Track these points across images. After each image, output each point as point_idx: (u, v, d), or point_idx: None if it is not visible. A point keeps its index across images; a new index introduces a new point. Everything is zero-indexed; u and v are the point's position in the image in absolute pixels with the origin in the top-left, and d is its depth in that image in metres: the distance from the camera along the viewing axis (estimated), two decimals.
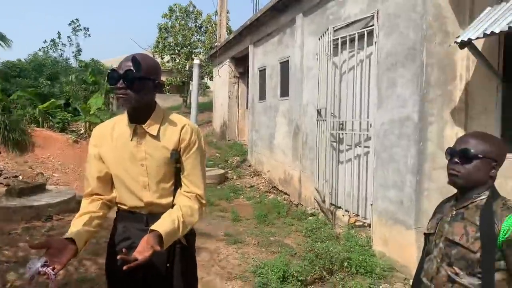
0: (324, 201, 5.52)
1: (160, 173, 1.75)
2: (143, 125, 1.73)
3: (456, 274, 1.53)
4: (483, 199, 1.56)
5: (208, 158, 10.47)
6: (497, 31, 2.87)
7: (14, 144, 6.70)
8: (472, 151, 1.54)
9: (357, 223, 4.93)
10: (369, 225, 4.64)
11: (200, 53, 20.49)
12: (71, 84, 14.93)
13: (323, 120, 5.45)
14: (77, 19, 36.78)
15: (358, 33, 4.61)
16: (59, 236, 4.66)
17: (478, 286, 1.48)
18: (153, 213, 1.77)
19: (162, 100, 31.66)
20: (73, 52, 28.25)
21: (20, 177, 6.71)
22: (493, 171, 1.56)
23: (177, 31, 19.83)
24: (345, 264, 3.94)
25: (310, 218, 5.82)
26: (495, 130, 3.45)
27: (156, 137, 1.74)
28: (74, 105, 12.64)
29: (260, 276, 3.82)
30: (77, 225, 1.63)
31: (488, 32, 2.94)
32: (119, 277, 1.79)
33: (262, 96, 8.74)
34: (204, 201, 1.81)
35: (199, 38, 20.93)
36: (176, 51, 20.39)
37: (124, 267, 1.44)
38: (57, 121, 11.88)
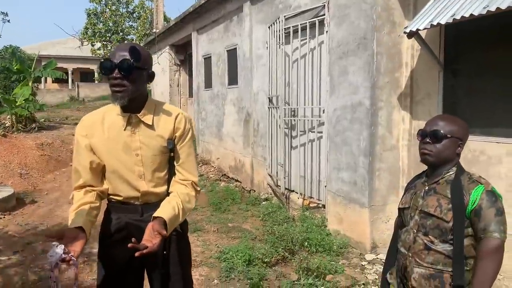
0: (278, 186, 5.69)
1: (155, 162, 1.74)
2: (138, 114, 1.70)
3: (431, 242, 1.72)
4: (451, 174, 1.77)
5: None
6: (443, 22, 3.16)
7: None
8: (441, 132, 1.74)
9: (311, 205, 5.17)
10: (323, 206, 4.89)
11: (133, 40, 19.63)
12: None
13: (275, 108, 5.59)
14: None
15: (309, 22, 4.78)
16: (5, 236, 4.31)
17: (450, 251, 1.68)
18: (148, 203, 1.77)
19: (91, 90, 29.89)
20: None
21: None
22: (459, 148, 1.78)
23: (107, 16, 18.77)
24: (305, 244, 4.14)
25: (264, 203, 5.98)
26: (437, 113, 3.80)
27: (151, 126, 1.72)
28: None
29: (226, 261, 3.89)
30: (81, 214, 1.58)
31: (434, 23, 3.23)
32: (116, 267, 1.76)
33: (208, 84, 8.67)
34: (198, 188, 1.85)
35: (132, 25, 20.03)
36: (107, 37, 19.33)
37: (136, 254, 1.43)
38: None
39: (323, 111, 4.74)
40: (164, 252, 1.78)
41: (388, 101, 4.06)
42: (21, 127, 10.96)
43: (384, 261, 2.06)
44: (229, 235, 4.75)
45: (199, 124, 9.27)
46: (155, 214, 1.60)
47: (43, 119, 12.97)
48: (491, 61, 3.39)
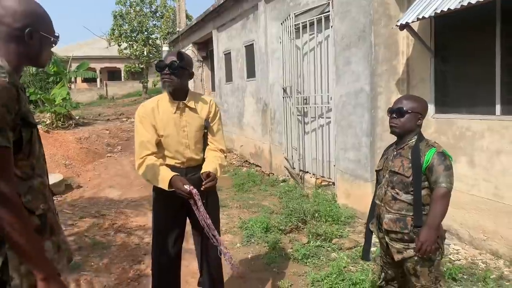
0: (293, 168, 6.28)
1: (196, 136, 2.39)
2: (185, 101, 2.34)
3: (397, 193, 2.21)
4: (413, 141, 2.27)
5: None
6: (426, 15, 3.65)
7: None
8: (404, 108, 2.25)
9: (323, 184, 5.74)
10: (333, 184, 5.45)
11: (157, 39, 20.47)
12: (26, 76, 14.66)
13: (289, 97, 6.16)
14: None
15: (316, 18, 5.31)
16: (60, 213, 5.10)
17: (411, 200, 2.17)
18: (190, 166, 2.41)
19: (119, 88, 31.07)
20: None
21: None
22: (419, 121, 2.26)
23: (132, 17, 19.67)
24: (316, 215, 4.71)
25: (281, 184, 6.57)
26: (430, 95, 4.29)
27: (194, 110, 2.38)
28: (35, 97, 12.53)
29: (247, 229, 4.52)
30: (167, 169, 2.28)
31: (420, 16, 3.72)
32: (167, 213, 2.41)
33: (229, 78, 9.31)
34: (225, 154, 2.52)
35: (155, 24, 20.88)
36: (133, 37, 20.26)
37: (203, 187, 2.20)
38: None
39: (331, 98, 5.28)
40: (203, 201, 2.43)
41: (386, 86, 4.56)
42: (60, 124, 11.96)
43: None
44: (250, 210, 5.37)
45: (222, 116, 9.92)
46: (204, 170, 2.29)
47: (78, 116, 14.00)
48: (473, 48, 3.85)
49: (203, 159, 2.43)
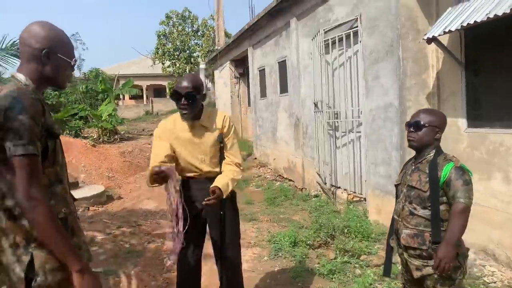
0: (325, 183, 6.26)
1: (212, 151, 2.52)
2: (199, 121, 2.49)
3: (414, 208, 2.19)
4: (431, 155, 2.26)
5: None
6: (453, 29, 3.60)
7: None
8: (421, 122, 2.24)
9: (354, 199, 5.68)
10: (365, 199, 5.38)
11: (198, 57, 21.20)
12: (78, 94, 15.70)
13: (320, 111, 6.20)
14: (77, 32, 37.52)
15: (345, 34, 5.36)
16: (100, 222, 5.42)
17: (429, 215, 2.14)
18: (208, 177, 2.54)
19: (163, 104, 32.24)
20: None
21: None
22: (437, 135, 2.24)
23: (175, 37, 20.57)
24: (345, 231, 4.68)
25: (314, 199, 6.56)
26: (462, 109, 4.18)
27: (208, 128, 2.51)
28: (84, 113, 13.39)
29: (275, 243, 4.57)
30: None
31: (447, 30, 3.68)
32: (189, 224, 2.53)
33: (263, 94, 9.49)
34: (242, 167, 2.62)
35: (197, 42, 21.66)
36: (176, 56, 21.12)
37: (204, 202, 2.29)
38: (71, 129, 12.66)
39: (361, 112, 5.27)
40: (221, 213, 2.54)
41: (416, 100, 4.49)
42: (106, 139, 12.68)
43: None
44: (280, 224, 5.42)
45: (256, 131, 10.10)
46: (213, 185, 2.39)
47: (123, 131, 14.75)
48: (505, 60, 3.73)
49: (221, 171, 2.55)
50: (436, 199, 2.12)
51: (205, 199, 2.32)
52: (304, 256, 4.20)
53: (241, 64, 12.36)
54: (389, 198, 4.73)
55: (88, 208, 6.00)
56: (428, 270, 2.16)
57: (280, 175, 8.44)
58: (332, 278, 3.70)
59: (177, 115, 2.58)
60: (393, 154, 4.61)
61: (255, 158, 10.21)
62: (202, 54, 20.04)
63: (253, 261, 4.24)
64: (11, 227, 1.45)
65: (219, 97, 14.38)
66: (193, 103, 2.41)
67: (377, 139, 4.90)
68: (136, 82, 34.97)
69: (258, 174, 8.89)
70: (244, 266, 4.09)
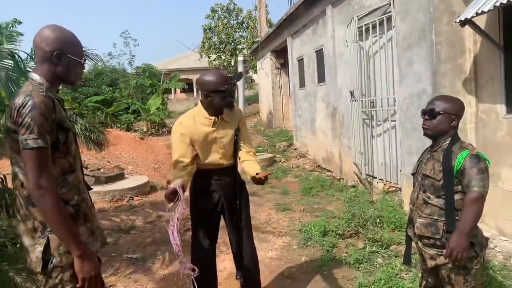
0: (361, 173, 6.17)
1: (230, 145, 2.63)
2: (222, 116, 2.58)
3: (428, 197, 2.15)
4: (446, 143, 2.21)
5: (258, 145, 11.38)
6: (485, 10, 3.40)
7: (94, 143, 7.96)
8: (436, 109, 2.17)
9: (390, 189, 5.55)
10: (400, 189, 5.25)
11: (243, 49, 21.35)
12: (130, 89, 16.54)
13: (356, 100, 6.09)
14: (126, 30, 39.26)
15: (378, 19, 5.21)
16: (142, 211, 5.77)
17: (443, 204, 2.10)
18: (221, 168, 2.65)
19: None
20: (127, 59, 30.38)
21: (102, 170, 8.01)
22: (453, 123, 2.15)
23: (220, 30, 20.85)
24: (377, 221, 4.61)
25: (351, 189, 6.49)
26: (501, 95, 3.94)
27: (229, 123, 2.61)
28: (134, 107, 14.11)
29: (305, 232, 4.62)
30: (181, 176, 2.49)
31: (479, 11, 3.48)
32: (204, 212, 2.68)
33: (302, 84, 9.44)
34: (255, 156, 2.73)
35: (242, 34, 21.80)
36: (221, 49, 21.42)
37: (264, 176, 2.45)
38: (123, 122, 13.41)
39: (395, 100, 5.12)
40: (237, 202, 2.66)
41: (451, 86, 4.29)
42: (154, 131, 13.30)
43: None
44: (313, 214, 5.45)
45: (296, 121, 10.09)
46: (252, 174, 2.55)
47: (171, 124, 15.35)
48: None
49: (234, 162, 2.65)
50: (450, 188, 2.07)
51: (259, 175, 2.49)
52: (333, 246, 4.21)
53: (282, 54, 12.33)
54: None
55: (132, 198, 6.38)
56: (442, 259, 2.12)
57: (318, 166, 8.41)
58: (358, 267, 3.70)
59: (196, 111, 2.62)
60: (428, 143, 4.44)
61: (295, 149, 10.22)
62: (246, 46, 20.15)
63: (281, 249, 4.33)
64: (30, 213, 1.64)
65: (261, 88, 14.48)
66: (231, 94, 2.53)
67: (412, 127, 4.75)
68: (186, 76, 36.17)
69: (297, 165, 8.91)
70: (272, 254, 4.22)
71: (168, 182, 2.46)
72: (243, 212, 2.71)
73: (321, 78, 7.97)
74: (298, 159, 9.36)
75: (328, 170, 7.87)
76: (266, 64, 12.96)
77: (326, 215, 5.20)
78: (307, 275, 3.69)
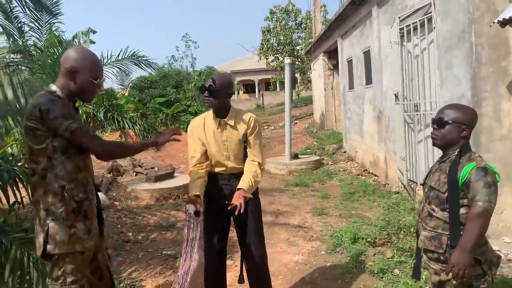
0: (404, 179, 5.95)
1: (236, 149, 2.74)
2: (225, 119, 2.73)
3: (433, 210, 2.09)
4: (455, 154, 2.14)
5: (307, 147, 11.35)
6: None
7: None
8: (445, 119, 2.09)
9: None
10: None
11: (301, 50, 21.32)
12: (190, 91, 17.33)
13: (399, 104, 5.88)
14: (186, 33, 41.08)
15: (419, 20, 5.00)
16: (183, 210, 6.10)
17: (447, 218, 2.03)
18: (232, 173, 2.78)
19: (273, 97, 33.16)
20: (189, 62, 31.79)
21: (156, 168, 8.56)
22: (463, 133, 2.07)
23: (278, 31, 21.02)
24: (412, 230, 4.44)
25: (394, 195, 6.27)
26: None
27: (233, 127, 2.73)
28: (193, 109, 14.76)
29: (335, 238, 4.60)
30: (198, 185, 2.66)
31: None
32: (213, 215, 2.83)
33: (351, 85, 9.25)
34: (262, 167, 2.78)
35: (299, 35, 21.78)
36: (279, 50, 21.58)
37: (229, 207, 2.48)
38: (182, 122, 14.14)
39: (437, 104, 4.88)
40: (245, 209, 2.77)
41: (494, 90, 4.02)
42: None
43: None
44: (349, 220, 5.36)
45: (346, 123, 9.90)
46: (238, 186, 2.59)
47: None
48: None
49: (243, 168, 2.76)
50: (455, 201, 2.00)
51: (229, 207, 2.51)
52: (361, 253, 4.16)
53: (334, 55, 12.12)
54: None
55: (179, 196, 6.76)
56: (445, 275, 2.06)
57: (366, 170, 8.21)
58: (382, 277, 3.62)
59: (208, 113, 2.79)
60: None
61: (344, 152, 10.04)
62: (304, 46, 20.09)
63: (309, 254, 4.36)
64: (42, 201, 1.88)
65: (315, 89, 14.36)
66: (215, 96, 2.61)
67: None
68: (248, 77, 36.93)
69: (344, 168, 8.77)
70: (298, 258, 4.26)
71: (189, 200, 2.62)
72: (252, 217, 2.80)
73: (369, 80, 7.77)
74: (346, 162, 9.19)
75: (375, 175, 7.66)
76: (319, 65, 12.84)
77: (361, 221, 5.12)
78: (328, 281, 3.70)
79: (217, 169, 2.80)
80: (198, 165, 2.76)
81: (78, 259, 1.90)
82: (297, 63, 20.75)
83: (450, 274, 1.97)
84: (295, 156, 9.24)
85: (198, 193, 2.61)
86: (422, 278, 2.79)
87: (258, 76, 35.44)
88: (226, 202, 2.54)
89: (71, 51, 1.97)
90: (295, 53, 21.07)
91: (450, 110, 2.11)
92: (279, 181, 8.13)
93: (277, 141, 12.14)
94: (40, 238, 1.87)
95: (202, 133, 2.76)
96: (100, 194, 2.35)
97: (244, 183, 2.61)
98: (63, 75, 1.94)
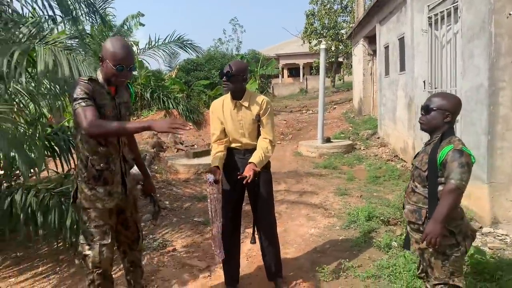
0: None
1: (250, 127, 3.13)
2: (240, 101, 3.15)
3: (416, 186, 2.40)
4: (438, 138, 2.43)
5: (341, 131, 11.52)
6: None
7: (193, 122, 9.06)
8: (430, 106, 2.39)
9: None
10: None
11: (345, 33, 21.07)
12: None
13: (426, 91, 5.98)
14: (235, 17, 41.33)
15: (446, 10, 5.07)
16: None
17: (427, 193, 2.33)
18: (247, 149, 3.19)
19: (316, 81, 32.73)
20: (235, 45, 32.19)
21: (195, 146, 9.21)
22: (447, 119, 2.35)
23: (322, 15, 20.86)
24: None
25: None
26: None
27: (248, 108, 3.13)
28: None
29: (351, 216, 4.93)
30: (217, 158, 3.10)
31: None
32: (229, 185, 3.27)
33: (387, 72, 9.28)
34: (274, 144, 3.17)
35: (345, 19, 21.49)
36: (323, 34, 21.45)
37: (239, 177, 2.91)
38: None
39: (457, 93, 4.99)
40: (256, 178, 3.19)
41: None
42: None
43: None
44: (369, 201, 5.61)
45: (381, 110, 9.96)
46: (250, 160, 3.00)
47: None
48: None
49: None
50: (433, 179, 2.28)
51: (240, 174, 2.90)
52: (372, 230, 4.47)
53: (374, 41, 12.03)
54: (477, 183, 4.49)
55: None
56: (424, 244, 2.39)
57: (396, 156, 8.33)
58: (387, 251, 3.92)
59: (227, 95, 3.17)
60: (482, 139, 4.35)
61: (378, 138, 10.13)
62: (348, 30, 19.85)
63: (324, 228, 4.73)
64: (77, 165, 2.43)
65: (354, 74, 14.32)
66: (232, 81, 3.00)
67: (470, 122, 4.64)
68: (293, 61, 36.77)
69: (376, 154, 8.91)
70: (314, 231, 4.66)
71: (209, 170, 3.08)
72: (263, 188, 3.22)
73: (402, 67, 7.82)
74: (378, 148, 9.32)
75: (404, 161, 7.78)
76: (359, 51, 12.80)
77: (380, 203, 5.38)
78: (337, 252, 4.05)
79: (233, 145, 3.22)
80: (218, 141, 3.20)
81: (101, 211, 2.39)
82: (341, 47, 20.55)
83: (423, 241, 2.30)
84: (327, 140, 9.49)
85: (217, 165, 3.06)
86: (411, 249, 3.08)
87: (303, 60, 35.09)
88: (238, 173, 2.97)
89: (106, 41, 2.37)
90: (339, 37, 20.85)
91: (436, 98, 2.39)
92: (309, 163, 8.47)
93: (313, 125, 12.36)
94: (72, 193, 2.45)
95: (221, 113, 3.17)
96: (134, 169, 2.80)
97: (255, 157, 3.01)
98: (100, 61, 2.37)
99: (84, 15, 5.79)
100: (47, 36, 4.12)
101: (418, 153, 2.55)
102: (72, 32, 6.10)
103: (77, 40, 6.20)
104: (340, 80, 24.54)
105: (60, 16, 4.62)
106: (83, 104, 2.18)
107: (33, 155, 3.76)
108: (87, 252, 2.37)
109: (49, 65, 3.44)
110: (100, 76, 2.38)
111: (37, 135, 3.95)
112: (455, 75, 5.18)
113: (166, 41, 8.52)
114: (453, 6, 4.95)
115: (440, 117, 2.33)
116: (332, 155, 8.85)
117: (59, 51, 3.64)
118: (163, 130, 2.09)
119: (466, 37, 4.65)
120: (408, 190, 2.51)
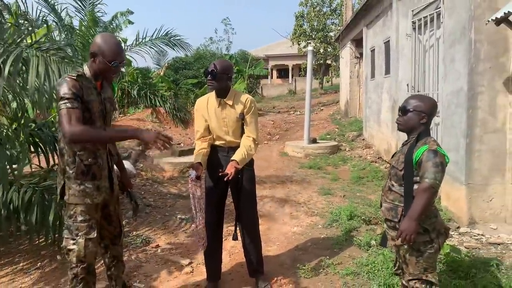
0: None
1: (234, 125, 3.17)
2: (224, 99, 3.19)
3: (392, 185, 2.47)
4: (414, 138, 2.51)
5: (327, 132, 11.65)
6: None
7: (180, 121, 8.98)
8: (407, 107, 2.48)
9: None
10: None
11: (334, 36, 21.28)
12: None
13: (409, 94, 6.12)
14: (227, 17, 41.37)
15: (429, 15, 5.20)
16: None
17: (403, 192, 2.42)
18: (231, 146, 3.22)
19: (304, 83, 33.02)
20: (225, 45, 32.22)
21: (181, 144, 9.20)
22: (423, 120, 2.41)
23: (311, 17, 21.02)
24: None
25: None
26: None
27: (232, 106, 3.17)
28: None
29: (333, 214, 5.01)
30: (201, 154, 3.13)
31: (506, 11, 3.46)
32: (212, 182, 3.31)
33: (373, 75, 9.44)
34: (257, 142, 3.21)
35: (333, 22, 21.68)
36: (312, 36, 21.61)
37: (220, 174, 2.94)
38: None
39: (440, 96, 5.12)
40: (239, 176, 3.23)
41: (490, 86, 4.24)
42: None
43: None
44: (352, 200, 5.70)
45: (366, 112, 10.12)
46: (232, 158, 3.03)
47: None
48: None
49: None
50: (409, 178, 2.35)
51: (222, 172, 2.95)
52: (353, 229, 4.56)
53: (361, 44, 12.22)
54: (455, 185, 4.63)
55: None
56: (399, 240, 2.46)
57: (380, 157, 8.47)
58: (367, 249, 4.01)
59: (212, 94, 3.21)
60: (461, 141, 4.48)
61: (363, 139, 10.28)
62: (336, 33, 20.06)
63: (307, 227, 4.79)
64: (60, 161, 2.41)
65: (341, 76, 14.48)
66: (216, 79, 3.03)
67: (450, 125, 4.77)
68: (282, 62, 36.93)
69: (360, 155, 9.05)
70: (296, 230, 4.72)
71: (192, 166, 3.10)
72: (246, 185, 3.26)
73: (387, 70, 7.97)
74: (363, 149, 9.46)
75: (387, 162, 7.92)
76: (346, 53, 12.97)
77: (362, 202, 5.48)
78: (318, 250, 4.12)
79: (217, 142, 3.26)
80: (202, 138, 3.23)
81: (89, 206, 2.40)
82: (329, 49, 20.74)
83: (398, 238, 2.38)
84: (313, 141, 9.60)
85: (200, 161, 3.09)
86: (388, 245, 3.16)
87: (292, 61, 35.30)
88: (220, 170, 3.01)
89: (97, 37, 2.38)
90: (328, 40, 21.04)
91: (413, 100, 2.47)
92: (295, 163, 8.56)
93: (301, 126, 12.47)
94: (58, 190, 2.43)
95: (205, 111, 3.20)
96: (127, 164, 2.81)
97: (237, 155, 3.04)
98: (90, 57, 2.38)
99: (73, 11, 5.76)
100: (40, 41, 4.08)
101: (395, 153, 2.63)
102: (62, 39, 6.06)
103: (64, 35, 6.17)
104: (328, 82, 24.76)
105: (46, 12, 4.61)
106: (69, 105, 2.18)
107: (14, 152, 3.73)
108: (72, 247, 2.37)
109: (42, 76, 3.41)
110: (88, 71, 2.39)
111: (20, 131, 3.93)
112: (437, 79, 5.32)
113: (154, 36, 8.39)
114: (436, 12, 5.08)
115: (416, 118, 2.41)
116: (318, 156, 8.95)
117: (52, 61, 3.62)
118: (151, 140, 2.17)
119: (447, 42, 4.78)
120: (385, 189, 2.58)
